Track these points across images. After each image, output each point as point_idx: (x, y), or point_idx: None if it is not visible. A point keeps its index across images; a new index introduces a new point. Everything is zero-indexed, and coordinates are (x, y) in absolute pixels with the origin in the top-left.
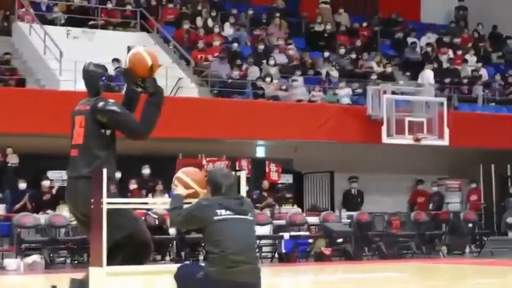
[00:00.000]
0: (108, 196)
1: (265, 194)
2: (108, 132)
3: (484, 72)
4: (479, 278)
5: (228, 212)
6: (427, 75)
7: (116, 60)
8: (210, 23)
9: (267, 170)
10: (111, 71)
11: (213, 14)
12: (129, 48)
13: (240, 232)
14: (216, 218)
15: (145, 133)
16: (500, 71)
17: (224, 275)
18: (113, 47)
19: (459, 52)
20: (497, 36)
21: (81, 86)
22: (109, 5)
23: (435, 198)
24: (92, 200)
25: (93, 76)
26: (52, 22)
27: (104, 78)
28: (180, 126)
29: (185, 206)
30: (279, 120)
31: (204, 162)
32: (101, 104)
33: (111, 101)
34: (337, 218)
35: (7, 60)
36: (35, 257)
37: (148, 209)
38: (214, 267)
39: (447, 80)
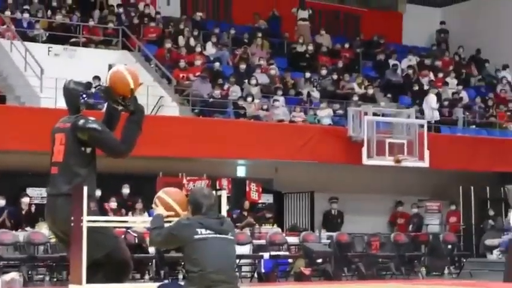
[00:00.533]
0: (88, 214)
1: (245, 213)
2: (88, 150)
3: (464, 94)
4: None
5: (208, 231)
6: (431, 99)
7: (96, 77)
8: (192, 42)
9: (247, 189)
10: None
11: (195, 33)
12: (110, 66)
13: (220, 251)
14: (196, 237)
15: (126, 151)
16: (481, 94)
17: None
18: (94, 64)
19: (440, 75)
20: (478, 60)
21: (61, 104)
22: (91, 23)
23: (415, 220)
24: (72, 218)
25: (74, 94)
26: (33, 39)
27: (84, 96)
28: (161, 145)
29: (166, 224)
30: (260, 140)
31: (184, 181)
32: (81, 121)
33: (92, 118)
34: (317, 238)
35: None
36: (13, 275)
37: (128, 228)
38: (194, 286)
39: (427, 102)
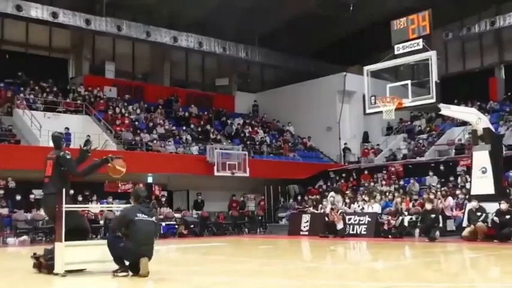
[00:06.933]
0: (66, 203)
1: (154, 201)
2: (64, 169)
3: (267, 138)
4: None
5: (143, 215)
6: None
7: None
8: (123, 111)
9: (153, 189)
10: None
11: (125, 104)
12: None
13: (146, 227)
14: (136, 218)
15: (79, 175)
16: (275, 137)
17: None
18: (69, 123)
19: (255, 128)
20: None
21: (50, 144)
22: (68, 100)
23: (241, 204)
24: (57, 206)
25: (57, 138)
26: (35, 109)
27: (63, 139)
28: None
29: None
30: (159, 163)
31: (119, 185)
32: (62, 154)
33: (68, 152)
34: (191, 214)
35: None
36: (24, 237)
37: (88, 210)
38: (131, 243)
39: (248, 142)
